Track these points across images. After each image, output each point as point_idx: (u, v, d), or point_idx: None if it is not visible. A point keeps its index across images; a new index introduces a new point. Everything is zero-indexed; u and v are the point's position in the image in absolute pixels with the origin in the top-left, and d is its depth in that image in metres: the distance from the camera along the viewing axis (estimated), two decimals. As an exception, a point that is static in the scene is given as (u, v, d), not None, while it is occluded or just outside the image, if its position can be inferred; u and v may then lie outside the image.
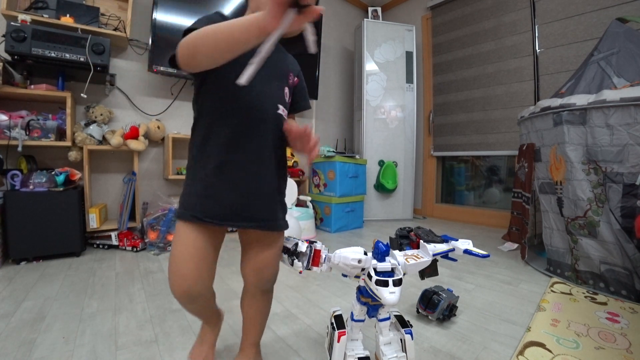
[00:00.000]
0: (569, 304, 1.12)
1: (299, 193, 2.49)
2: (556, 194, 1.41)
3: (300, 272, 0.66)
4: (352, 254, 0.60)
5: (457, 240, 0.71)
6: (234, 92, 0.57)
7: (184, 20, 1.99)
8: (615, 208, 1.18)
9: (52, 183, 1.55)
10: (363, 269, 0.62)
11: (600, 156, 1.22)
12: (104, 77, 1.79)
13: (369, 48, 2.85)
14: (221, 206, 0.60)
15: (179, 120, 2.23)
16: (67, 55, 1.56)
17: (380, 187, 2.81)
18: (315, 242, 0.65)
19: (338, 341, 0.66)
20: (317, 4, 0.41)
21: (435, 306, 0.98)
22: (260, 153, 0.61)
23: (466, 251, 0.68)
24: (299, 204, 2.44)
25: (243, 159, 0.59)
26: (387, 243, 0.64)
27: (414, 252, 0.68)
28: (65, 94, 1.64)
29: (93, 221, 1.69)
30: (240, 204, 0.60)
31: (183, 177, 2.04)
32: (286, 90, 0.67)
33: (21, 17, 1.49)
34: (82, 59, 1.59)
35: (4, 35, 1.44)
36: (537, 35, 2.31)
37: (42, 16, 1.58)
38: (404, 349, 0.67)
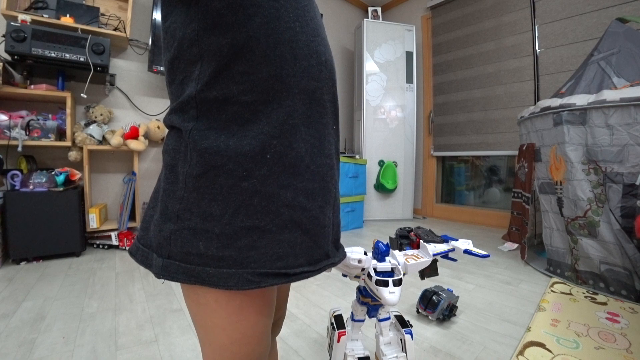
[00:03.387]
0: (569, 304, 1.12)
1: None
2: (556, 194, 1.41)
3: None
4: (352, 254, 0.60)
5: (457, 240, 0.71)
6: (293, 46, 0.34)
7: (184, 20, 1.99)
8: (615, 208, 1.18)
9: (52, 183, 1.55)
10: (363, 269, 0.62)
11: (600, 156, 1.22)
12: (104, 77, 1.79)
13: (369, 48, 2.85)
14: (320, 242, 0.37)
15: (179, 120, 2.23)
16: (67, 55, 1.56)
17: (380, 187, 2.81)
18: (315, 242, 0.65)
19: (338, 341, 0.66)
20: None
21: (435, 306, 0.98)
22: (329, 143, 0.39)
23: (466, 251, 0.68)
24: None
25: (328, 155, 0.39)
26: (387, 243, 0.64)
27: (414, 252, 0.68)
28: (65, 94, 1.64)
29: (93, 221, 1.69)
30: (336, 230, 0.41)
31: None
32: None
33: (21, 17, 1.49)
34: (82, 59, 1.59)
35: (4, 35, 1.44)
36: (537, 35, 2.31)
37: (42, 16, 1.58)
38: (404, 349, 0.67)
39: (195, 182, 0.32)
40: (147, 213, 0.37)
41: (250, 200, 0.32)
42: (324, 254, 0.38)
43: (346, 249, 0.62)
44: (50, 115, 1.66)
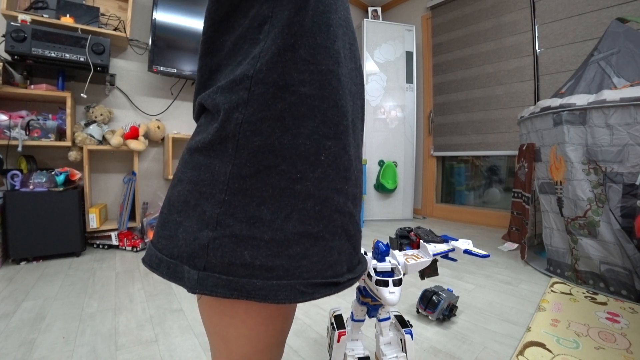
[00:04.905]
0: (569, 304, 1.12)
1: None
2: (556, 194, 1.41)
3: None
4: (352, 254, 0.60)
5: (457, 240, 0.71)
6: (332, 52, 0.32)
7: (184, 20, 1.99)
8: (615, 208, 1.18)
9: (52, 183, 1.55)
10: (363, 269, 0.61)
11: (600, 156, 1.22)
12: (104, 77, 1.78)
13: (369, 48, 2.85)
14: (358, 247, 0.37)
15: (179, 120, 2.23)
16: (67, 55, 1.56)
17: (380, 187, 2.81)
18: (316, 242, 0.65)
19: (338, 341, 0.66)
20: None
21: (435, 306, 0.98)
22: (361, 148, 0.40)
23: (466, 251, 0.68)
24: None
25: (362, 160, 0.39)
26: (387, 243, 0.64)
27: (414, 252, 0.68)
28: (65, 94, 1.64)
29: (93, 221, 1.69)
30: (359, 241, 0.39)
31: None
32: None
33: (21, 17, 1.49)
34: (82, 59, 1.59)
35: (4, 35, 1.44)
36: (537, 35, 2.31)
37: (42, 16, 1.58)
38: (404, 349, 0.67)
39: (242, 183, 0.28)
40: (170, 219, 0.32)
41: (303, 205, 0.29)
42: (358, 260, 0.36)
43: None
44: (50, 115, 1.66)
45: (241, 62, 0.30)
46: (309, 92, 0.29)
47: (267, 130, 0.28)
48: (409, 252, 0.68)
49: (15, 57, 1.48)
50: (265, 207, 0.28)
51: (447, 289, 1.04)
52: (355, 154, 0.34)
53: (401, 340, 0.68)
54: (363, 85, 0.39)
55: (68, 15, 1.65)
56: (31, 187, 1.49)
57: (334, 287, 0.31)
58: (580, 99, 1.26)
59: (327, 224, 0.31)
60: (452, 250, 0.70)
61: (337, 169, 0.31)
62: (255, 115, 0.28)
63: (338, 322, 0.70)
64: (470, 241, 0.70)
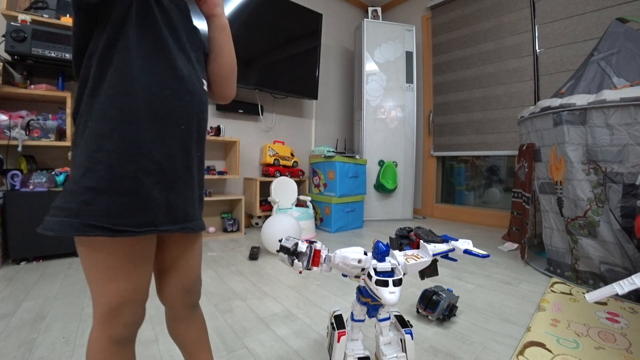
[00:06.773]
0: (569, 304, 1.12)
1: (299, 193, 2.49)
2: (556, 194, 1.41)
3: (300, 272, 0.66)
4: (352, 254, 0.60)
5: (457, 240, 0.71)
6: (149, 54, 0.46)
7: (184, 20, 1.99)
8: (615, 208, 1.18)
9: (52, 183, 1.55)
10: (363, 269, 0.62)
11: (600, 156, 1.22)
12: (104, 77, 1.78)
13: (369, 48, 2.85)
14: (149, 212, 0.46)
15: (179, 120, 2.23)
16: (67, 55, 1.55)
17: (380, 187, 2.81)
18: (315, 242, 0.65)
19: (338, 341, 0.66)
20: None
21: (435, 306, 0.98)
22: (188, 138, 0.51)
23: (466, 251, 0.68)
24: (299, 204, 2.44)
25: (173, 144, 0.49)
26: (387, 243, 0.64)
27: (414, 252, 0.68)
28: (65, 94, 1.64)
29: (93, 221, 1.69)
30: (173, 209, 0.49)
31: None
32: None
33: (21, 17, 1.49)
34: (82, 59, 1.59)
35: (4, 35, 1.44)
36: (537, 35, 2.31)
37: (42, 16, 1.58)
38: (404, 349, 0.67)
39: (74, 159, 0.44)
40: None
41: (96, 168, 0.41)
42: (149, 222, 0.45)
43: (346, 249, 0.63)
44: (50, 115, 1.66)
45: (78, 99, 0.46)
46: (93, 125, 0.43)
47: (80, 132, 0.44)
48: (409, 252, 0.68)
49: (15, 57, 1.48)
50: (76, 169, 0.42)
51: (447, 289, 1.04)
52: (146, 143, 0.45)
53: (401, 340, 0.68)
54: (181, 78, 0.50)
55: (68, 15, 1.64)
56: (31, 187, 1.49)
57: (109, 231, 0.41)
58: (580, 99, 1.26)
59: (114, 184, 0.41)
60: (452, 250, 0.70)
61: (127, 145, 0.42)
62: (78, 129, 0.45)
63: (338, 322, 0.70)
64: (470, 241, 0.70)
